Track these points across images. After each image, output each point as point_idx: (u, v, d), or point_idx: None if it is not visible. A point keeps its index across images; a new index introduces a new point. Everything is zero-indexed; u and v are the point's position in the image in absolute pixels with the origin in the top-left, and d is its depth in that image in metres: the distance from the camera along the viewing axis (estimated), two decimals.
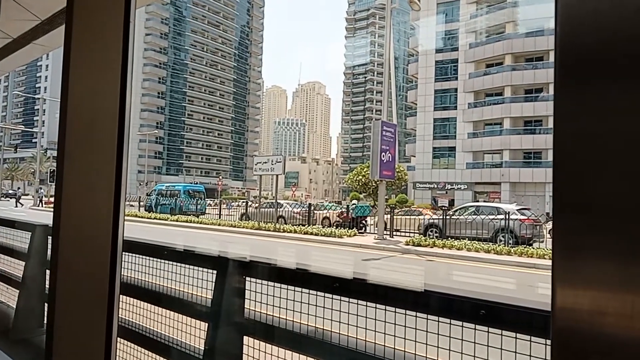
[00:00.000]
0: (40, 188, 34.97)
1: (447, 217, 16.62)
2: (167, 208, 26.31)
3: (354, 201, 25.29)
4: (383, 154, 16.76)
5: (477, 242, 14.19)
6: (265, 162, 20.54)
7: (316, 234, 17.11)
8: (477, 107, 44.10)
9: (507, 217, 14.99)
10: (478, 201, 38.38)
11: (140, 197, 33.34)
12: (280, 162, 19.86)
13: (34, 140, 55.26)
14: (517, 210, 16.05)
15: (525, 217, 15.47)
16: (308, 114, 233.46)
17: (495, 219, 15.19)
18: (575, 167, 0.56)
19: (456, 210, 18.00)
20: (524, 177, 39.60)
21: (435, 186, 44.88)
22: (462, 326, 1.69)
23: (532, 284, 9.78)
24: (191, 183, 39.19)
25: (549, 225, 18.25)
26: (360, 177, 34.89)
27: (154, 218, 23.53)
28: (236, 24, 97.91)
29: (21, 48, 5.89)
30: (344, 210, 20.87)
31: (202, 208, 26.56)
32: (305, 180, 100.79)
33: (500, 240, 14.75)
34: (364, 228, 18.69)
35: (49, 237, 4.10)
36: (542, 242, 14.88)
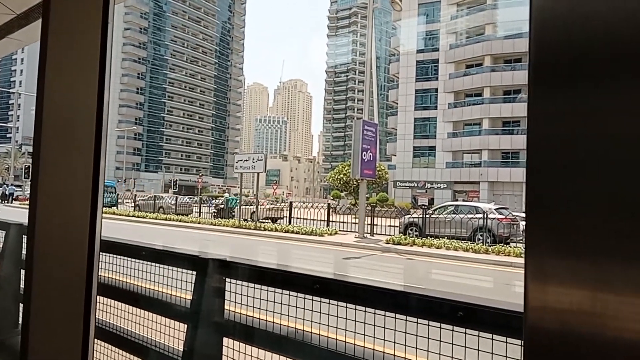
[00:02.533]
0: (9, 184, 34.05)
1: (427, 216, 16.88)
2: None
3: (226, 194, 31.55)
4: (364, 152, 16.83)
5: (456, 241, 14.38)
6: (247, 160, 20.42)
7: (297, 232, 17.10)
8: (457, 107, 44.68)
9: (485, 216, 15.24)
10: (457, 200, 38.87)
11: (118, 194, 33.23)
12: (261, 160, 19.77)
13: (8, 136, 53.98)
14: (494, 209, 16.37)
15: (503, 217, 15.67)
16: (290, 111, 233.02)
17: (474, 218, 15.44)
18: (547, 167, 0.57)
19: (436, 209, 18.21)
20: (502, 176, 40.29)
21: (416, 185, 45.33)
22: (440, 327, 1.71)
23: (509, 282, 9.96)
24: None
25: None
26: (342, 175, 35.01)
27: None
28: (217, 20, 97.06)
29: None
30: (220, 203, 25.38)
31: (112, 201, 30.46)
32: (286, 179, 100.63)
33: (479, 239, 14.92)
34: (232, 216, 22.40)
35: (24, 236, 4.01)
36: (520, 241, 14.87)
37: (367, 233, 17.00)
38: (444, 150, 44.43)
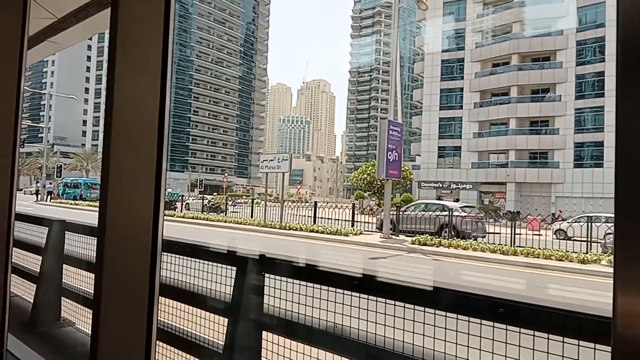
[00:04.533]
0: (50, 183, 35.20)
1: (401, 213, 18.28)
2: (71, 196, 33.64)
3: (169, 189, 34.01)
4: (389, 152, 16.79)
5: (483, 243, 14.34)
6: (272, 160, 20.61)
7: (322, 232, 17.17)
8: (483, 106, 44.01)
9: (450, 213, 16.28)
10: (483, 201, 38.38)
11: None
12: (286, 160, 19.92)
13: (40, 135, 55.50)
14: (459, 207, 17.59)
15: (466, 214, 16.83)
16: (313, 111, 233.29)
17: (440, 216, 16.61)
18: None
19: (408, 207, 19.61)
20: (529, 177, 39.51)
21: (440, 185, 44.85)
22: (481, 324, 1.74)
23: (542, 284, 9.81)
24: (93, 178, 43.82)
25: (555, 226, 18.25)
26: (365, 175, 34.90)
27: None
28: (242, 21, 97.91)
29: (36, 46, 5.95)
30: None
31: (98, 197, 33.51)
32: (309, 178, 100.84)
33: (444, 235, 15.82)
34: (175, 209, 24.80)
35: (65, 232, 4.17)
36: (484, 237, 16.12)
37: (392, 233, 16.95)
38: (469, 151, 43.82)
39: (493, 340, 1.70)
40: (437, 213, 16.90)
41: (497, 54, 43.49)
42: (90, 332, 3.58)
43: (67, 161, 53.02)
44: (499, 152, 42.53)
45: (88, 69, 78.42)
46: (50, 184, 35.27)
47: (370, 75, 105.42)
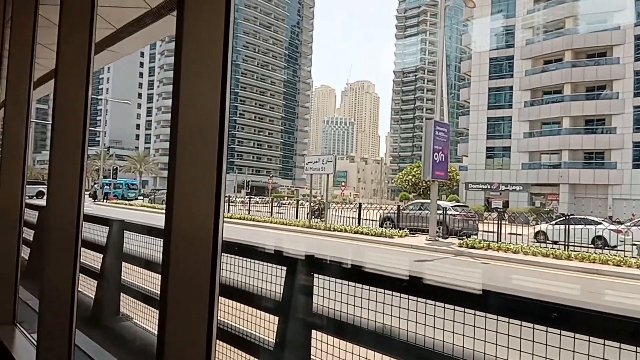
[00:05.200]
0: (107, 185, 37.01)
1: (400, 211, 19.84)
2: (117, 195, 36.47)
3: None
4: (435, 153, 16.54)
5: (534, 247, 13.89)
6: (316, 162, 20.75)
7: (366, 234, 17.12)
8: (534, 105, 42.45)
9: (444, 212, 17.28)
10: (534, 203, 37.05)
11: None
12: (331, 161, 20.01)
13: (97, 139, 58.29)
14: (451, 207, 18.94)
15: (457, 213, 18.12)
16: (357, 113, 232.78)
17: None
18: None
19: (407, 206, 21.49)
20: (584, 178, 37.74)
21: (489, 187, 43.58)
22: (533, 328, 1.72)
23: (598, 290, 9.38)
24: (132, 179, 47.15)
25: (609, 225, 17.37)
26: (410, 176, 34.51)
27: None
28: (287, 24, 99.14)
29: (97, 54, 6.30)
30: None
31: (135, 196, 38.45)
32: (353, 180, 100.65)
33: (437, 232, 16.79)
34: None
35: (124, 231, 4.41)
36: (476, 234, 16.88)
37: (438, 235, 16.68)
38: (519, 151, 42.36)
39: (546, 345, 1.67)
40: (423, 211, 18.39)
41: (549, 50, 41.84)
42: (147, 327, 3.76)
43: (122, 163, 55.48)
44: (552, 153, 40.86)
45: (141, 74, 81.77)
46: (107, 185, 37.09)
47: (416, 75, 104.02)
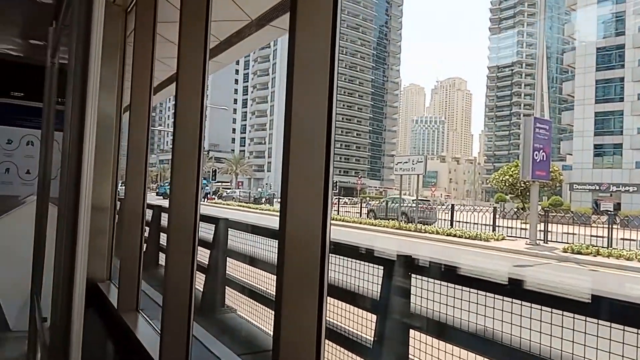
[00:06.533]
0: (206, 185, 39.66)
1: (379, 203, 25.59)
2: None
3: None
4: (536, 152, 15.55)
5: None
6: (406, 162, 20.50)
7: (459, 236, 16.57)
8: None
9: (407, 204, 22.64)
10: None
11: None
12: (421, 161, 19.65)
13: None
14: (412, 200, 23.55)
15: (416, 205, 21.67)
16: (447, 111, 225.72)
17: (401, 206, 22.47)
18: None
19: (383, 200, 27.70)
20: None
21: (598, 188, 39.89)
22: None
23: None
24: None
25: None
26: (507, 177, 32.61)
27: None
28: (375, 24, 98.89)
29: None
30: None
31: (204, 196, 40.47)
32: (444, 180, 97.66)
33: (401, 220, 20.68)
34: None
35: (229, 229, 4.73)
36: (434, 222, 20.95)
37: (539, 240, 15.66)
38: (633, 148, 38.29)
39: None
40: (397, 205, 23.06)
41: None
42: (250, 320, 4.01)
43: (220, 165, 58.91)
44: None
45: (236, 81, 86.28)
46: (207, 186, 39.67)
47: (512, 70, 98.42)
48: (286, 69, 1.51)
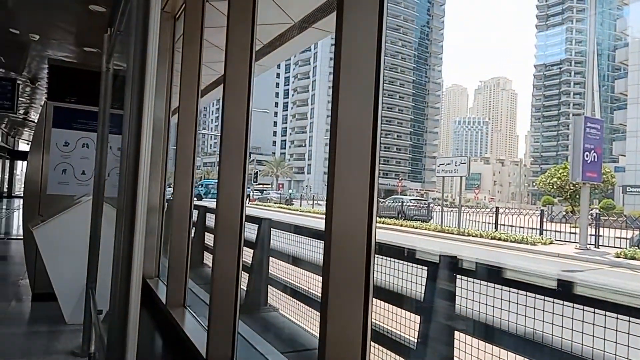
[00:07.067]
0: (247, 187, 40.64)
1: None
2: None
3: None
4: (586, 153, 14.91)
5: None
6: (449, 164, 20.13)
7: (504, 240, 16.12)
8: None
9: (402, 203, 25.90)
10: None
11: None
12: (464, 163, 19.26)
13: None
14: (409, 200, 27.74)
15: (415, 204, 25.61)
16: (491, 111, 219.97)
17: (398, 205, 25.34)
18: None
19: (385, 199, 29.01)
20: None
21: None
22: None
23: None
24: None
25: None
26: (555, 179, 31.35)
27: None
28: (416, 25, 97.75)
29: None
30: None
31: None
32: (488, 183, 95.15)
33: (400, 217, 23.24)
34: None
35: (271, 229, 4.81)
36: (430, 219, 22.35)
37: (590, 244, 15.01)
38: None
39: None
40: (396, 204, 25.92)
41: None
42: (292, 319, 4.07)
43: (261, 168, 59.79)
44: None
45: (277, 84, 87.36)
46: (248, 187, 40.68)
47: (560, 68, 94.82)
48: (332, 69, 1.54)
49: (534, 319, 2.09)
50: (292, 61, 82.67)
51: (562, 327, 2.01)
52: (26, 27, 6.02)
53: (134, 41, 1.37)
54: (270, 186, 59.51)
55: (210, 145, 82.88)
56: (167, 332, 3.26)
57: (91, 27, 5.70)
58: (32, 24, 5.93)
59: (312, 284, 3.99)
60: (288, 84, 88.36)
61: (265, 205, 33.52)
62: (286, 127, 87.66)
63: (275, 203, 37.94)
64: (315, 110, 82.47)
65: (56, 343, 3.42)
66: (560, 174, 30.20)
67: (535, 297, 2.12)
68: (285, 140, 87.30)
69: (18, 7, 5.55)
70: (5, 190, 24.16)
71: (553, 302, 2.05)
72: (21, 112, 12.60)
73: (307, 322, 3.94)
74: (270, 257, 4.74)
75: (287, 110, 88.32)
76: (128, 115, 1.36)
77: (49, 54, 7.06)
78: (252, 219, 5.02)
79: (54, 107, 4.57)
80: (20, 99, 9.58)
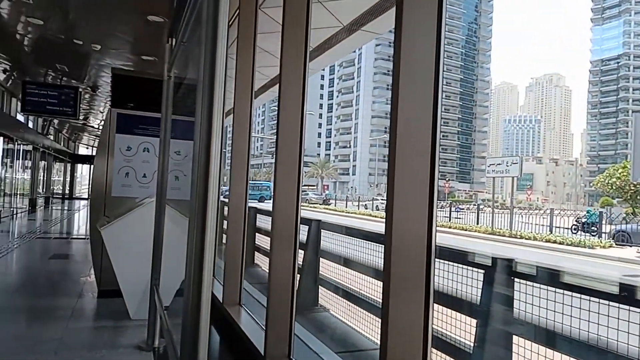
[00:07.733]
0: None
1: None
2: (257, 197, 37.41)
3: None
4: None
5: None
6: (499, 164, 19.55)
7: (560, 242, 15.47)
8: None
9: None
10: None
11: (373, 198, 37.69)
12: (516, 163, 18.65)
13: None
14: None
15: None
16: (544, 109, 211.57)
17: None
18: None
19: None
20: None
21: None
22: None
23: None
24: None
25: None
26: (614, 179, 29.79)
27: None
28: (463, 22, 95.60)
29: None
30: None
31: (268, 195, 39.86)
32: (541, 183, 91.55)
33: None
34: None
35: (321, 230, 4.86)
36: None
37: None
38: None
39: None
40: None
41: None
42: (343, 320, 4.09)
43: (306, 169, 60.31)
44: None
45: (322, 86, 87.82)
46: None
47: (618, 63, 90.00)
48: (392, 69, 1.55)
49: (598, 324, 2.03)
50: (336, 62, 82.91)
51: (628, 333, 1.94)
52: (89, 38, 6.41)
53: (204, 53, 1.45)
54: (315, 187, 59.95)
55: (257, 147, 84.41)
56: (224, 329, 3.38)
57: (149, 36, 6.00)
58: (94, 35, 6.31)
59: (364, 285, 4.01)
60: (333, 86, 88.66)
61: (305, 206, 34.15)
62: (331, 129, 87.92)
63: (312, 204, 39.70)
64: (360, 112, 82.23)
65: (122, 338, 3.61)
66: (619, 173, 28.66)
67: (599, 302, 2.06)
68: (330, 142, 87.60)
69: (82, 20, 5.92)
70: (67, 192, 25.62)
71: (618, 308, 1.98)
72: (81, 118, 13.39)
73: (358, 322, 3.97)
74: (320, 258, 4.80)
75: (331, 111, 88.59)
76: (199, 121, 1.43)
77: (109, 63, 7.48)
78: (303, 221, 5.10)
79: (117, 113, 4.82)
80: (81, 105, 10.19)
